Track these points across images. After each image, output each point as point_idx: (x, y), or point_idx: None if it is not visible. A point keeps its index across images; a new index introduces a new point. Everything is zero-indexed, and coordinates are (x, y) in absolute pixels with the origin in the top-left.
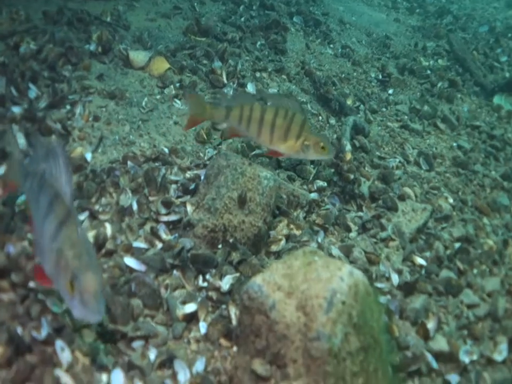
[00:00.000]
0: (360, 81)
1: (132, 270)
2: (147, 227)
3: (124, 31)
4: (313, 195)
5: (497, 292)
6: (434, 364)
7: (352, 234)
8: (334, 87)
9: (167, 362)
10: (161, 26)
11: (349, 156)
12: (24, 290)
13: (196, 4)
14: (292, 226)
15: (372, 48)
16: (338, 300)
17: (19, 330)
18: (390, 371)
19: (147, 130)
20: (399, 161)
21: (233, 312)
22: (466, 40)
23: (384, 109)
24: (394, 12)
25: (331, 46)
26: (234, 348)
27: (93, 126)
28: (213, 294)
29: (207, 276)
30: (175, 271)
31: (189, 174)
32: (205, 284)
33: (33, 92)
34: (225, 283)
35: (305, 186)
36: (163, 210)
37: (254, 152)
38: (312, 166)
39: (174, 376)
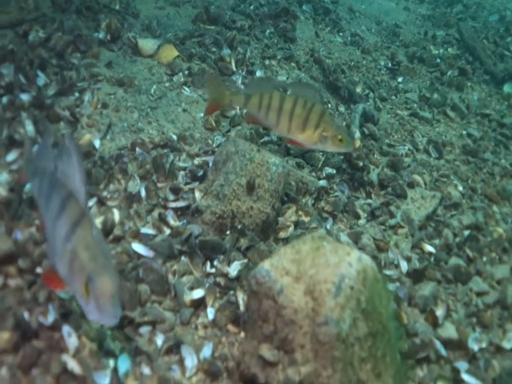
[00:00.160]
0: (370, 69)
1: (139, 256)
2: (155, 213)
3: (133, 19)
4: (322, 182)
5: (506, 280)
6: (443, 351)
7: (361, 221)
8: (343, 75)
9: (174, 348)
10: (170, 15)
11: (358, 143)
12: (32, 276)
13: None
14: (300, 213)
15: (381, 36)
16: (347, 285)
17: (26, 315)
18: (398, 357)
19: (156, 117)
20: (409, 149)
21: (241, 298)
22: (476, 29)
23: (393, 97)
24: (404, 0)
25: (340, 34)
26: (242, 334)
27: (101, 113)
28: (220, 280)
29: (215, 262)
30: (183, 257)
31: (197, 161)
32: (213, 270)
33: (41, 79)
34: (233, 269)
35: (313, 173)
36: (171, 197)
37: (262, 139)
38: (321, 153)
39: (181, 361)
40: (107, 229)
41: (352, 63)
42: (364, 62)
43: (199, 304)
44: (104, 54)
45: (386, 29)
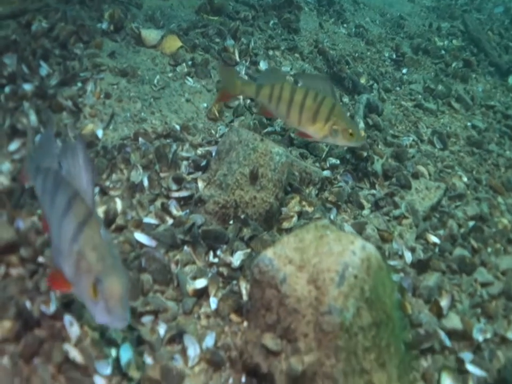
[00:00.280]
0: (374, 60)
1: (142, 245)
2: (158, 203)
3: (136, 10)
4: (326, 172)
5: (511, 271)
6: (448, 342)
7: (365, 212)
8: (347, 66)
9: (176, 337)
10: (173, 6)
11: (362, 134)
12: (34, 265)
13: None
14: (304, 203)
15: (385, 28)
16: (351, 274)
17: (28, 304)
18: (403, 348)
19: (159, 107)
20: (413, 140)
21: (244, 287)
22: (481, 21)
23: (398, 88)
24: None
25: (345, 25)
26: (245, 323)
27: (104, 103)
28: (223, 270)
29: (218, 252)
30: (185, 247)
31: (200, 151)
32: (216, 260)
33: (44, 69)
34: (236, 259)
35: (317, 164)
36: (174, 187)
37: (266, 130)
38: (324, 144)
39: (183, 351)
40: (109, 218)
41: (356, 54)
42: (368, 53)
43: (202, 294)
44: (107, 44)
45: (391, 21)
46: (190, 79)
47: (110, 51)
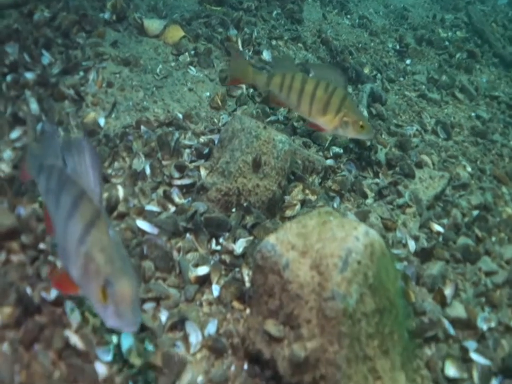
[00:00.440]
0: (378, 51)
1: (144, 232)
2: (160, 191)
3: (139, 0)
4: (329, 161)
5: None
6: (452, 330)
7: (369, 201)
8: (350, 56)
9: (178, 324)
10: None
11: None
12: (34, 251)
13: None
14: (307, 191)
15: (389, 19)
16: (354, 259)
17: (28, 291)
18: (406, 335)
19: (161, 96)
20: (417, 130)
21: (247, 275)
22: (485, 13)
23: (401, 79)
24: None
25: (348, 16)
26: (247, 310)
27: (106, 92)
28: (226, 257)
29: (221, 239)
30: (188, 234)
31: (202, 139)
32: (218, 247)
33: (46, 58)
34: (239, 246)
35: (320, 153)
36: (176, 174)
37: (269, 119)
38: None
39: (185, 338)
40: (111, 206)
41: (360, 45)
42: (372, 44)
43: (204, 281)
44: (110, 34)
45: (394, 12)
46: (192, 68)
47: (113, 40)
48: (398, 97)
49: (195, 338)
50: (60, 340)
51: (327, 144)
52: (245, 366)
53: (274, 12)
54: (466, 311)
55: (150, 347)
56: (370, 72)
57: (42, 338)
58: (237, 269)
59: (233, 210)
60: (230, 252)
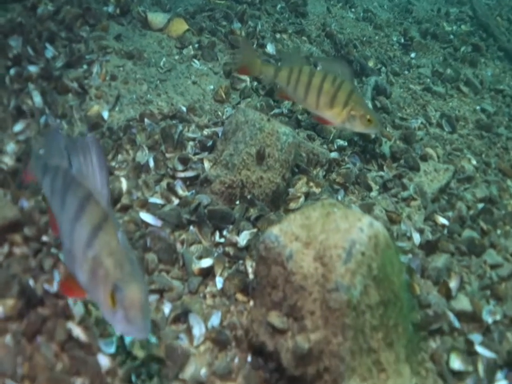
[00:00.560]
0: (382, 44)
1: (147, 225)
2: (163, 183)
3: None
4: (334, 154)
5: None
6: (457, 323)
7: (373, 194)
8: (355, 50)
9: (182, 316)
10: None
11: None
12: (37, 244)
13: None
14: (311, 184)
15: (393, 13)
16: (358, 251)
17: (31, 283)
18: (411, 328)
19: (165, 89)
20: (421, 123)
21: (250, 267)
22: (490, 6)
23: (406, 72)
24: None
25: (352, 10)
26: (251, 303)
27: (110, 85)
28: (230, 250)
29: (224, 232)
30: (191, 227)
31: (206, 132)
32: (222, 240)
33: (50, 51)
34: (243, 239)
35: (325, 146)
36: (180, 167)
37: (273, 111)
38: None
39: (188, 330)
40: (114, 198)
41: (364, 39)
42: (376, 37)
43: (208, 273)
44: (114, 27)
45: (399, 6)
46: (196, 61)
47: (116, 34)
48: (403, 91)
49: (198, 330)
50: (62, 332)
51: (331, 137)
52: (249, 358)
53: (279, 6)
54: (472, 304)
55: (153, 339)
56: (375, 66)
57: (45, 330)
58: (240, 261)
59: (237, 202)
60: (234, 244)
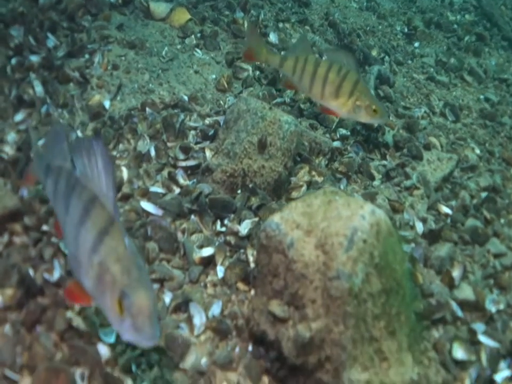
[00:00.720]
0: (386, 34)
1: (148, 214)
2: (165, 172)
3: None
4: (336, 143)
5: None
6: (460, 313)
7: (376, 183)
8: (358, 39)
9: (182, 305)
10: None
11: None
12: (37, 233)
13: None
14: (313, 173)
15: (397, 2)
16: (359, 238)
17: (31, 272)
18: (413, 317)
19: (167, 79)
20: (425, 112)
21: (252, 256)
22: None
23: (409, 61)
24: None
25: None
26: (252, 292)
27: (111, 75)
28: (231, 239)
29: (225, 221)
30: (192, 216)
31: (208, 121)
32: (223, 229)
33: (51, 41)
34: (244, 228)
35: (327, 135)
36: (181, 156)
37: (275, 100)
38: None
39: (189, 319)
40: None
41: (368, 28)
42: (380, 27)
43: (209, 263)
44: (116, 17)
45: None
46: (198, 51)
47: (118, 24)
48: (406, 80)
49: (199, 319)
50: (62, 321)
51: (334, 126)
52: (250, 348)
53: None
54: (475, 293)
55: None
56: (378, 55)
57: (45, 320)
58: (241, 250)
59: (239, 191)
60: (235, 233)
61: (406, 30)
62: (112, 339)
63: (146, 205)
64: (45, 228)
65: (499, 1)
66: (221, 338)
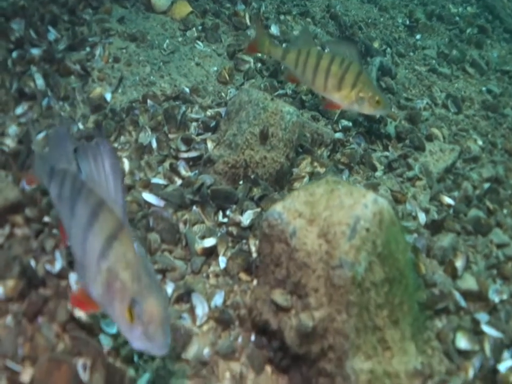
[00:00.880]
0: (387, 26)
1: (150, 205)
2: (166, 164)
3: None
4: (338, 135)
5: None
6: (463, 303)
7: (378, 174)
8: (360, 31)
9: (184, 296)
10: None
11: None
12: (39, 224)
13: None
14: (315, 164)
15: None
16: (362, 227)
17: (32, 263)
18: (416, 307)
19: (168, 71)
20: (427, 103)
21: (254, 246)
22: None
23: (411, 53)
24: None
25: None
26: (255, 282)
27: (112, 67)
28: (233, 229)
29: (227, 212)
30: (194, 207)
31: (209, 112)
32: (225, 220)
33: (52, 34)
34: (246, 218)
35: (329, 126)
36: (183, 147)
37: (277, 92)
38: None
39: (191, 310)
40: None
41: (369, 20)
42: (381, 19)
43: (211, 253)
44: (117, 10)
45: None
46: (200, 43)
47: (119, 17)
48: (408, 72)
49: (201, 310)
50: (64, 312)
51: (335, 118)
52: (252, 337)
53: None
54: (478, 283)
55: None
56: (380, 47)
57: (46, 311)
58: (244, 241)
59: (240, 182)
60: (237, 224)
61: (407, 22)
62: (114, 330)
63: (148, 196)
64: (46, 219)
65: None
66: (224, 328)
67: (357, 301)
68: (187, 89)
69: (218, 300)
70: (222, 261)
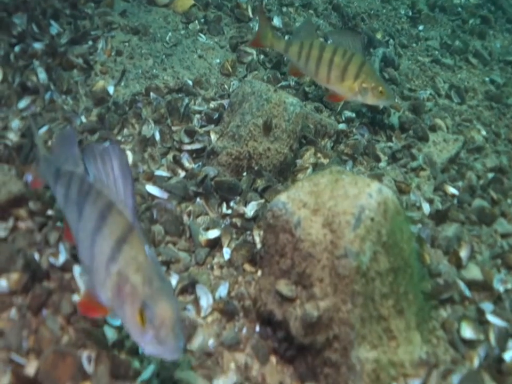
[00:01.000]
0: (390, 17)
1: (153, 197)
2: (170, 156)
3: None
4: (342, 126)
5: None
6: (467, 292)
7: (382, 164)
8: (362, 23)
9: (189, 287)
10: None
11: None
12: (42, 218)
13: None
14: (319, 155)
15: None
16: (367, 216)
17: (36, 256)
18: (421, 297)
19: (171, 64)
20: (430, 94)
21: (258, 236)
22: None
23: (414, 44)
24: None
25: None
26: (259, 273)
27: (115, 61)
28: (237, 221)
29: (231, 203)
30: (198, 199)
31: (213, 104)
32: (229, 211)
33: (54, 28)
34: (250, 209)
35: (332, 117)
36: (186, 140)
37: (280, 84)
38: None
39: (196, 301)
40: None
41: (372, 12)
42: (384, 10)
43: (215, 245)
44: (119, 3)
45: None
46: (202, 36)
47: (121, 10)
48: (411, 63)
49: (206, 301)
50: (68, 305)
51: (339, 109)
52: (257, 328)
53: None
54: (482, 273)
55: None
56: (383, 38)
57: (51, 304)
58: (248, 232)
59: (244, 174)
60: (241, 215)
61: (410, 13)
62: (118, 322)
63: (151, 188)
64: (49, 212)
65: None
66: (228, 319)
67: (362, 291)
68: (190, 82)
69: (222, 291)
70: (226, 252)
